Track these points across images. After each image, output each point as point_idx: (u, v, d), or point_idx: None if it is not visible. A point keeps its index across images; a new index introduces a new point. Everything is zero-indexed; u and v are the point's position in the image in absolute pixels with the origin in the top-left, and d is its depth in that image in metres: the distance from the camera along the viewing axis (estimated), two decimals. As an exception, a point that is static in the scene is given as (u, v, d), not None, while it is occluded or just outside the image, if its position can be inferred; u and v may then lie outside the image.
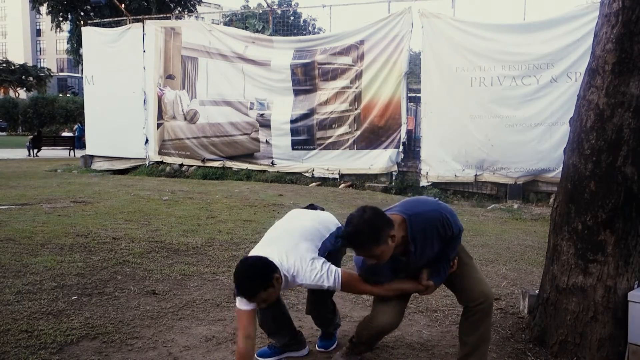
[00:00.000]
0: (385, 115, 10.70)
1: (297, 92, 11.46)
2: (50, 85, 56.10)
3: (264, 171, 11.92)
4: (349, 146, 11.13)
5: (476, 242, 5.95)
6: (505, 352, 2.96)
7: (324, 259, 2.46)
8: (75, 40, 22.42)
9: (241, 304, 2.38)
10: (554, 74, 9.16)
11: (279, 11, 17.27)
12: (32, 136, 22.31)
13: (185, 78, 12.67)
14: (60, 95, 51.10)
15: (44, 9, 23.29)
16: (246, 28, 20.19)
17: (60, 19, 23.49)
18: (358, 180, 11.11)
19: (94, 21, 15.80)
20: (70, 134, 27.97)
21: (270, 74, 11.67)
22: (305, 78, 11.38)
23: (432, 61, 10.07)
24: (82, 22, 16.02)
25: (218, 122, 12.32)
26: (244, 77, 11.91)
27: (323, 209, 2.93)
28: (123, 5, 14.96)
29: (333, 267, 2.43)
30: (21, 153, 21.20)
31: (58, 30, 24.36)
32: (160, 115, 12.95)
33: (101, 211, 7.09)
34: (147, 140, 13.11)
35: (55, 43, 77.85)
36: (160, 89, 12.90)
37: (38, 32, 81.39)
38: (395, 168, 10.65)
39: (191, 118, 12.63)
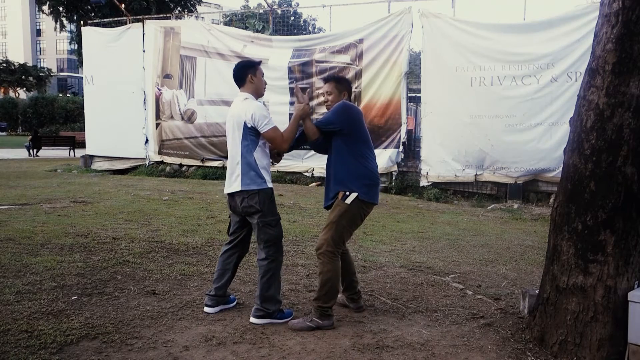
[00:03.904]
0: (385, 115, 10.68)
1: (293, 91, 11.43)
2: (50, 85, 56.17)
3: (264, 170, 11.89)
4: None
5: (476, 242, 5.95)
6: (505, 352, 2.96)
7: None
8: (78, 40, 22.42)
9: None
10: (554, 74, 9.16)
11: (279, 11, 17.26)
12: (30, 136, 22.31)
13: (183, 77, 12.64)
14: (60, 95, 51.09)
15: (46, 8, 23.28)
16: (246, 28, 20.17)
17: (62, 18, 23.48)
18: (358, 180, 11.07)
19: (94, 21, 15.79)
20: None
21: (267, 72, 11.57)
22: (302, 76, 11.33)
23: (432, 61, 10.06)
24: (82, 22, 16.00)
25: (216, 122, 12.28)
26: None
27: None
28: (123, 5, 14.96)
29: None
30: (21, 153, 21.19)
31: (61, 30, 24.36)
32: (157, 115, 12.94)
33: (101, 211, 7.10)
34: (147, 140, 13.09)
35: (55, 43, 77.95)
36: (158, 88, 12.89)
37: (38, 32, 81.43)
38: (396, 168, 10.64)
39: (189, 118, 12.61)
